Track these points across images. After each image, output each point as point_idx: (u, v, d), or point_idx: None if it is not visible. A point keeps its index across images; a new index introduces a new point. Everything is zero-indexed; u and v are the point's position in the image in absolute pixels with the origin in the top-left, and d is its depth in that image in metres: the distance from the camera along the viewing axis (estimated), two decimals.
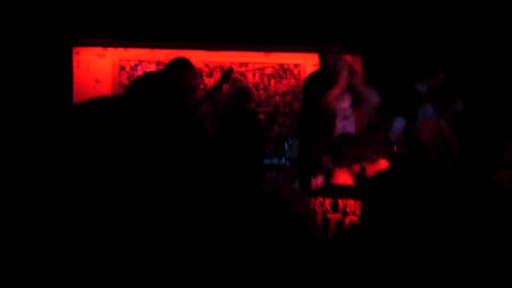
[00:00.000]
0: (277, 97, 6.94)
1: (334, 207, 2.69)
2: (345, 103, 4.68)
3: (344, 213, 2.65)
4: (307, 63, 6.87)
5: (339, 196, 2.69)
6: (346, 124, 4.67)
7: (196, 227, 1.24)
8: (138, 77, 5.72)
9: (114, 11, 5.43)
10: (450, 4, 5.48)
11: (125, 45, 5.92)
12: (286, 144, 5.61)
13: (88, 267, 1.13)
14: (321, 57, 4.75)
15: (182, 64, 4.52)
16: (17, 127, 4.64)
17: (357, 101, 4.71)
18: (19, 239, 1.15)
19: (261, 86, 6.89)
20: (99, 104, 1.26)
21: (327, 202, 2.70)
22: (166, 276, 1.17)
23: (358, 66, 5.49)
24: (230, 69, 5.28)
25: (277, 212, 1.84)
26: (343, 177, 2.76)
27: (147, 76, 4.95)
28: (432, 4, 5.55)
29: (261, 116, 6.63)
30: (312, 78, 4.93)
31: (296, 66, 6.92)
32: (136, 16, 5.51)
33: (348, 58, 5.00)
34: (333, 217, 2.65)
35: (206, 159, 1.28)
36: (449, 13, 5.51)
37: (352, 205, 2.65)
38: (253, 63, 6.84)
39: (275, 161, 5.52)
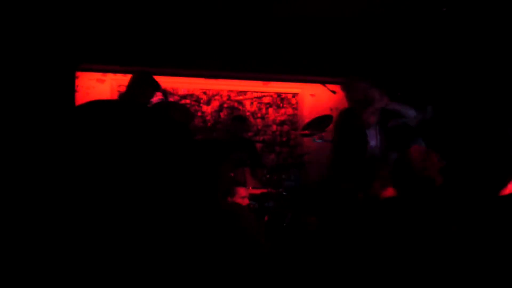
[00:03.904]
0: (274, 126, 6.97)
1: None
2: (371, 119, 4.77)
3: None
4: (304, 92, 6.93)
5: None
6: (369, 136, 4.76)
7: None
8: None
9: (115, 38, 5.50)
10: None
11: (124, 71, 5.97)
12: (287, 174, 5.55)
13: (87, 267, 1.14)
14: (349, 93, 4.83)
15: (144, 80, 4.47)
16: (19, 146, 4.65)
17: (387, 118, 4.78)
18: (20, 238, 1.16)
19: (259, 115, 6.93)
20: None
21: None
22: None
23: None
24: (164, 91, 5.07)
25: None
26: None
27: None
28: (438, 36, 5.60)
29: (258, 145, 6.64)
30: (346, 111, 4.98)
31: (293, 95, 6.98)
32: (136, 44, 5.59)
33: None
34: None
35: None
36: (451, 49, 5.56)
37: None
38: (251, 92, 6.90)
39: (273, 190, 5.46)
